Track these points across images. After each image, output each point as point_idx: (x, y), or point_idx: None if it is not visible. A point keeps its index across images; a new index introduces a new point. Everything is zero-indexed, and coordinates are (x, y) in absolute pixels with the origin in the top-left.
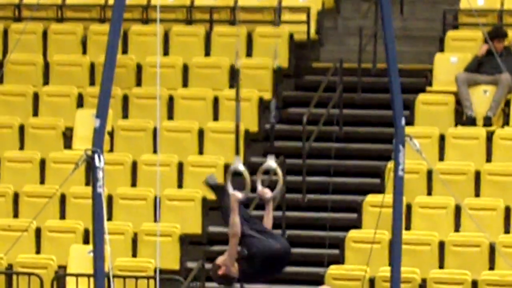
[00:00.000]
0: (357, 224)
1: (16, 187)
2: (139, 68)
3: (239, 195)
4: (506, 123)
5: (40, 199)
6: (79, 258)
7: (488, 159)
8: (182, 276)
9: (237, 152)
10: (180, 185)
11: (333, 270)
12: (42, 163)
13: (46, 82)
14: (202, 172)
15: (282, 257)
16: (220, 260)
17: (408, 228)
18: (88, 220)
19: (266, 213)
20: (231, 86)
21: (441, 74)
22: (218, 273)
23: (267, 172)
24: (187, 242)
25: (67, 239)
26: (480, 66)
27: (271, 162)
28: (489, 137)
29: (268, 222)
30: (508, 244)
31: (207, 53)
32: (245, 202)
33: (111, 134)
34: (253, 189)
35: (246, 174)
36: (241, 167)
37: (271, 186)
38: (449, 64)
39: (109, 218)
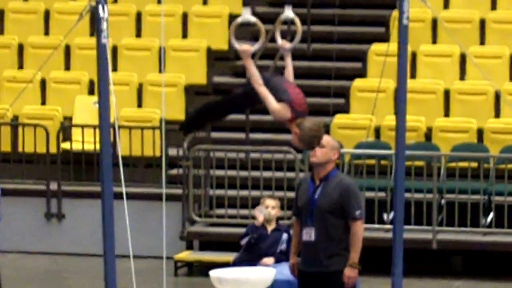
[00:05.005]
0: (362, 73)
1: (21, 38)
2: None
3: (250, 47)
4: None
5: (45, 50)
6: (85, 109)
7: (493, 7)
8: None
9: (244, 3)
10: (184, 35)
11: (338, 119)
12: (47, 13)
13: None
14: (206, 22)
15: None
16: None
17: (413, 76)
18: (93, 71)
19: (286, 65)
20: None
21: None
22: (297, 134)
23: (285, 22)
24: (192, 92)
25: (72, 90)
26: None
27: (288, 12)
28: None
29: (289, 75)
30: None
31: None
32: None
33: None
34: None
35: (259, 23)
36: (252, 18)
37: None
38: None
39: (114, 69)
